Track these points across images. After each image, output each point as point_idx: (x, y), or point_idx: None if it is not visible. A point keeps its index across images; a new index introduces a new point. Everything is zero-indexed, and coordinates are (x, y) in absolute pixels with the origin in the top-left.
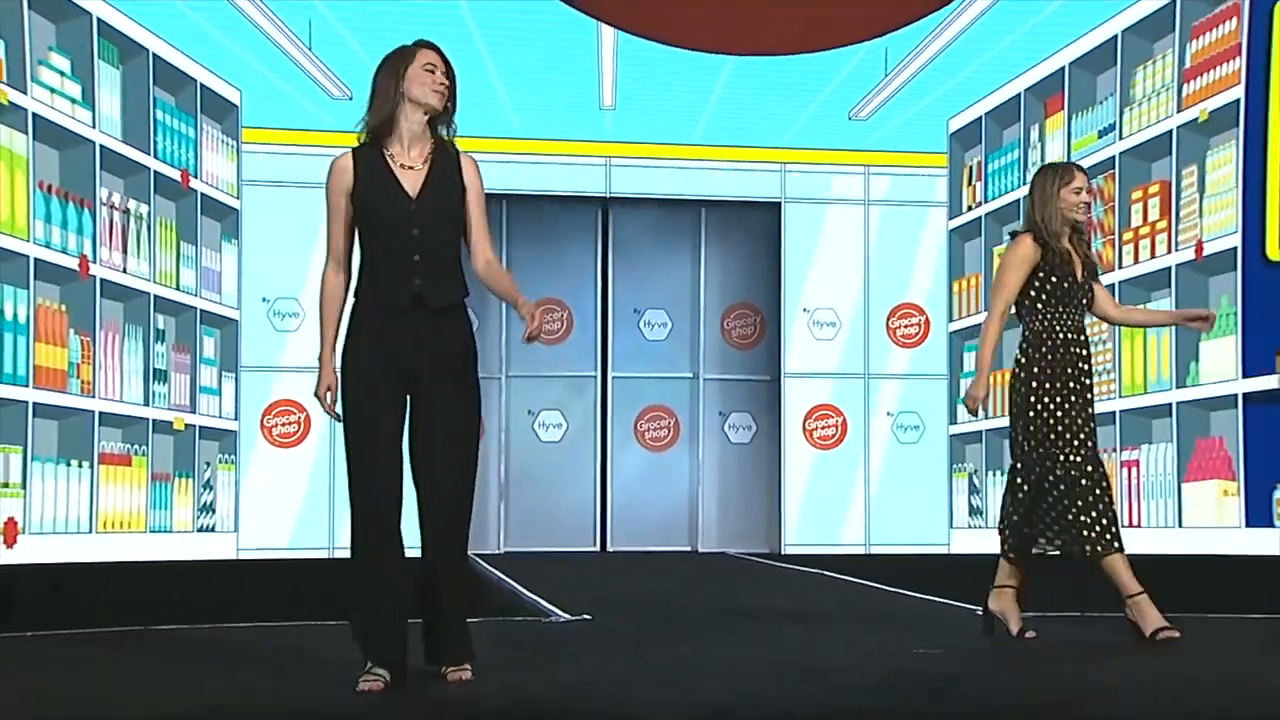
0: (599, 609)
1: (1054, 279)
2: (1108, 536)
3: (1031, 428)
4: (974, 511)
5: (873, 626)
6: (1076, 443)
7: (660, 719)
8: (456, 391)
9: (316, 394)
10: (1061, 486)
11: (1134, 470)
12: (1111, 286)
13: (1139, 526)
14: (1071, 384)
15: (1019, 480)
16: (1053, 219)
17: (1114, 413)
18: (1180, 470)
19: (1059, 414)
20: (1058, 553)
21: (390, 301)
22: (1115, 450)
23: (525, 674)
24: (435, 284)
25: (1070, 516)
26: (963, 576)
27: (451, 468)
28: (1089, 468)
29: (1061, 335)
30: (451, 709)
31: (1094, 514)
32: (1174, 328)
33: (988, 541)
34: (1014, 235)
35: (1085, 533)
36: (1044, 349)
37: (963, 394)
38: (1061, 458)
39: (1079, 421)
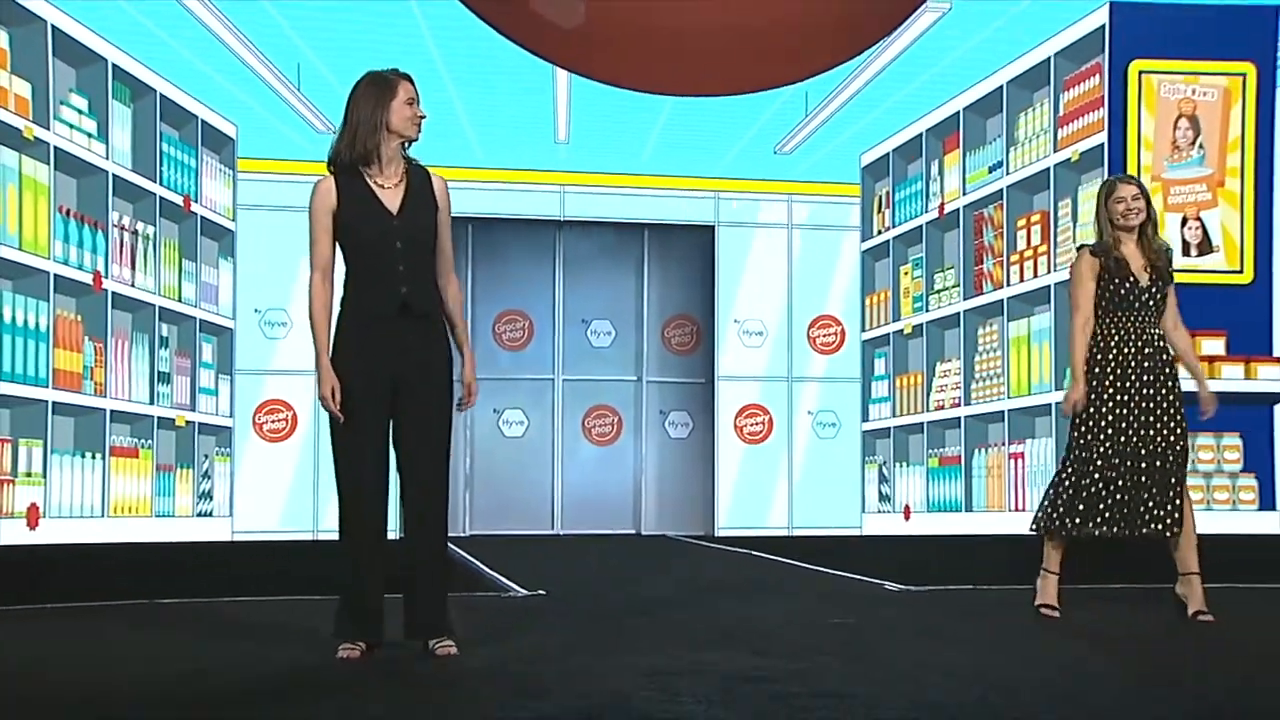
0: (553, 585)
1: (1111, 286)
2: (1040, 515)
3: (1075, 419)
4: (883, 498)
5: (795, 598)
6: (1090, 438)
7: (607, 682)
8: (437, 393)
9: (321, 394)
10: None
11: (1020, 461)
12: (1000, 302)
13: (1024, 510)
14: (1114, 388)
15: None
16: (1105, 230)
17: (1002, 412)
18: (1058, 461)
19: (1090, 409)
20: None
21: (378, 309)
22: (1004, 444)
23: (487, 644)
24: (419, 291)
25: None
26: (872, 555)
27: (433, 462)
28: (1081, 462)
29: (1121, 342)
30: (420, 674)
31: (1051, 494)
32: (1054, 338)
33: (895, 525)
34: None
35: (1056, 508)
36: (1097, 353)
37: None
38: (1071, 444)
39: (1105, 418)
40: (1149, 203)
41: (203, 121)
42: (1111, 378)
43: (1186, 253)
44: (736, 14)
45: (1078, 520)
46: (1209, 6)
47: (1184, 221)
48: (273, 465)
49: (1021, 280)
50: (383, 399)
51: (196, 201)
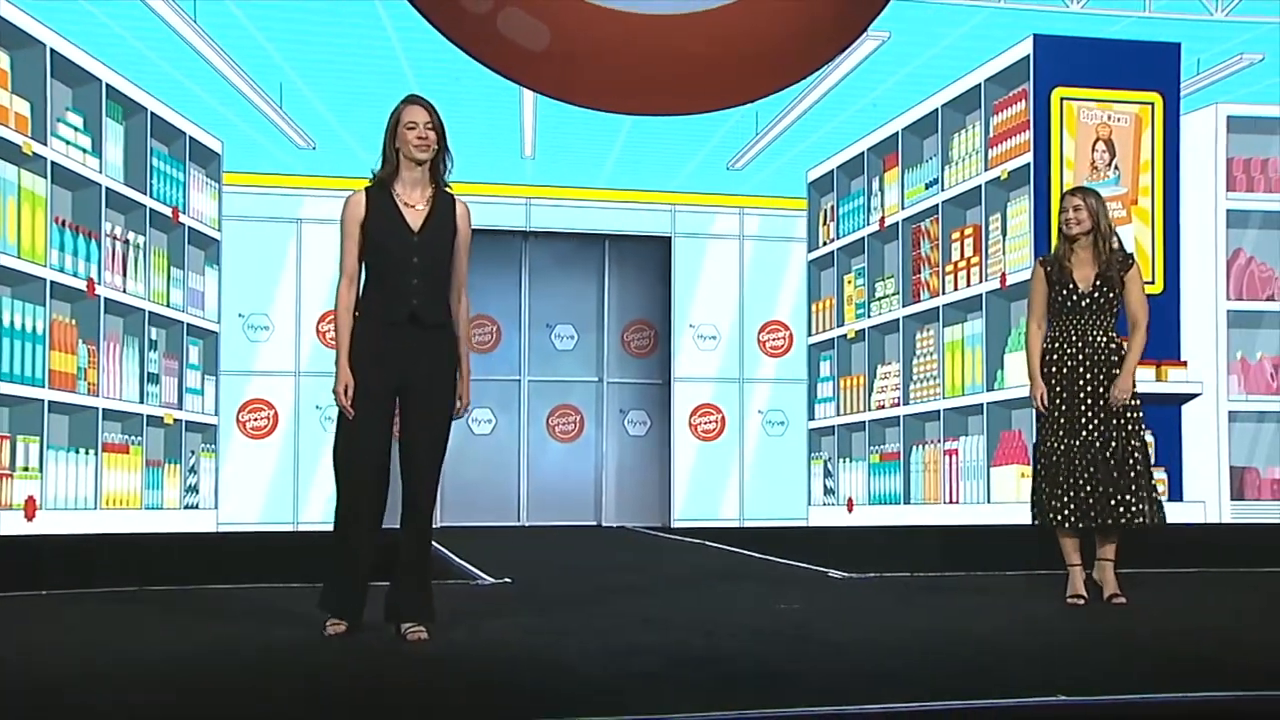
0: (518, 573)
1: (1053, 292)
2: (1040, 511)
3: (1038, 418)
4: (828, 491)
5: (745, 585)
6: (1044, 434)
7: (567, 663)
8: (439, 399)
9: (335, 390)
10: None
11: (954, 457)
12: (936, 309)
13: (958, 503)
14: (1059, 386)
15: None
16: (1057, 240)
17: (938, 410)
18: (989, 457)
19: (1048, 407)
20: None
21: (390, 316)
22: (940, 441)
23: (455, 628)
24: (429, 304)
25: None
26: (818, 544)
27: (428, 462)
28: (1050, 453)
29: (1063, 342)
30: (391, 655)
31: (1038, 492)
32: (985, 343)
33: (839, 516)
34: None
35: (1032, 504)
36: (1045, 354)
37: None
38: (1038, 442)
39: (1055, 416)
40: (1101, 214)
41: (190, 138)
42: (1055, 379)
43: None
44: (692, 40)
45: (1050, 514)
46: (1121, 41)
47: None
48: (255, 461)
49: (956, 289)
50: (388, 400)
51: (184, 213)
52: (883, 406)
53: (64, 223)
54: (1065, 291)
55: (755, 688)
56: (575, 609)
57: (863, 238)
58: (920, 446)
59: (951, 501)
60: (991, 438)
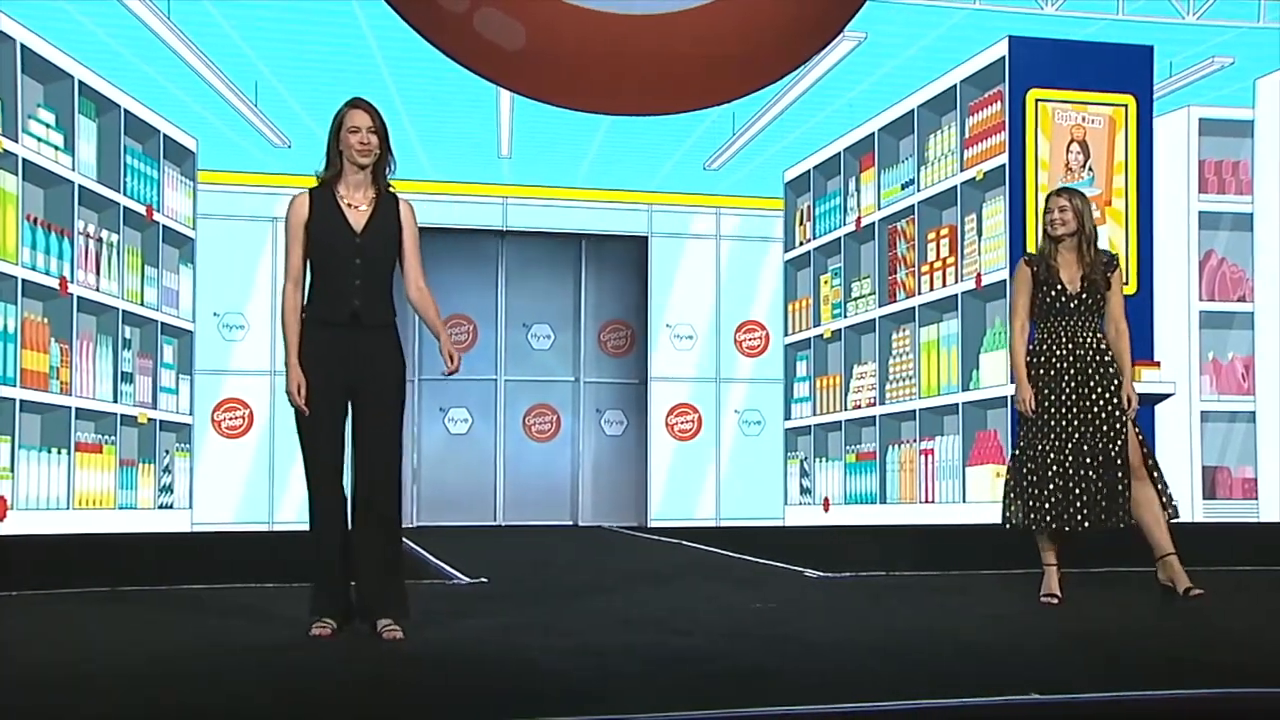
0: (494, 573)
1: (1040, 293)
2: (1022, 512)
3: (1021, 420)
4: (804, 491)
5: (721, 585)
6: (1031, 438)
7: (543, 662)
8: (389, 398)
9: (288, 389)
10: (1011, 464)
11: (930, 457)
12: (912, 310)
13: (934, 502)
14: (1046, 389)
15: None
16: (1041, 240)
17: (914, 410)
18: (965, 456)
19: (1035, 410)
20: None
21: (333, 317)
22: (915, 441)
23: (431, 628)
24: (370, 305)
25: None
26: (794, 544)
27: (384, 460)
28: (1040, 455)
29: (1052, 343)
30: (369, 655)
31: (1019, 494)
32: (961, 343)
33: (815, 516)
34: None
35: (1011, 506)
36: (1032, 357)
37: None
38: (1019, 444)
39: (1043, 418)
40: (1086, 215)
41: (165, 135)
42: (1043, 380)
43: None
44: (669, 40)
45: (1034, 516)
46: (1095, 44)
47: None
48: (230, 460)
49: (931, 289)
50: (338, 399)
51: (159, 211)
52: (859, 406)
53: (36, 220)
54: (1054, 292)
55: (730, 687)
56: (551, 608)
57: (839, 238)
58: (896, 446)
59: (927, 501)
60: (967, 438)
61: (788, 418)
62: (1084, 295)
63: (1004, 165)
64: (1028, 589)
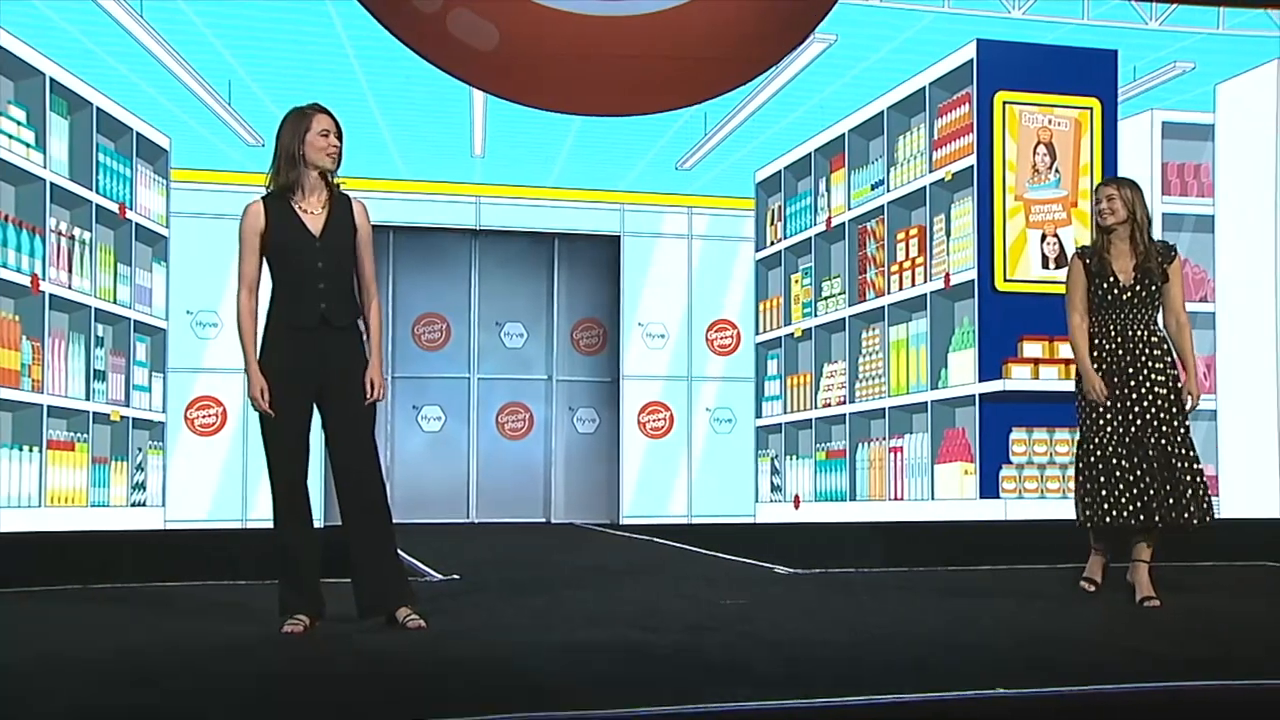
0: (467, 570)
1: (1093, 286)
2: (1093, 508)
3: (1078, 414)
4: (774, 489)
5: (691, 582)
6: (1089, 432)
7: (513, 659)
8: (357, 393)
9: (251, 394)
10: (1077, 464)
11: (899, 455)
12: (882, 309)
13: (903, 499)
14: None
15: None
16: (1093, 232)
17: (883, 409)
18: (933, 454)
19: (1089, 405)
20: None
21: (301, 321)
22: (885, 439)
23: (402, 625)
24: (337, 306)
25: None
26: (764, 541)
27: (365, 455)
28: (1099, 449)
29: (1101, 337)
30: (338, 651)
31: (1091, 491)
32: (930, 342)
33: (786, 513)
34: None
35: (1084, 503)
36: (1092, 351)
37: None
38: (1081, 439)
39: (1100, 411)
40: (1137, 203)
41: (138, 134)
42: (1105, 368)
43: (1045, 265)
44: (641, 42)
45: (1104, 510)
46: (1061, 47)
47: (1043, 238)
48: (203, 458)
49: (901, 289)
50: (306, 402)
51: (131, 209)
52: (829, 405)
53: (7, 218)
54: (1106, 285)
55: (698, 682)
56: (522, 605)
57: (810, 238)
58: (866, 444)
59: (896, 498)
60: (935, 435)
61: (759, 416)
62: (1137, 287)
63: (972, 166)
64: (996, 585)
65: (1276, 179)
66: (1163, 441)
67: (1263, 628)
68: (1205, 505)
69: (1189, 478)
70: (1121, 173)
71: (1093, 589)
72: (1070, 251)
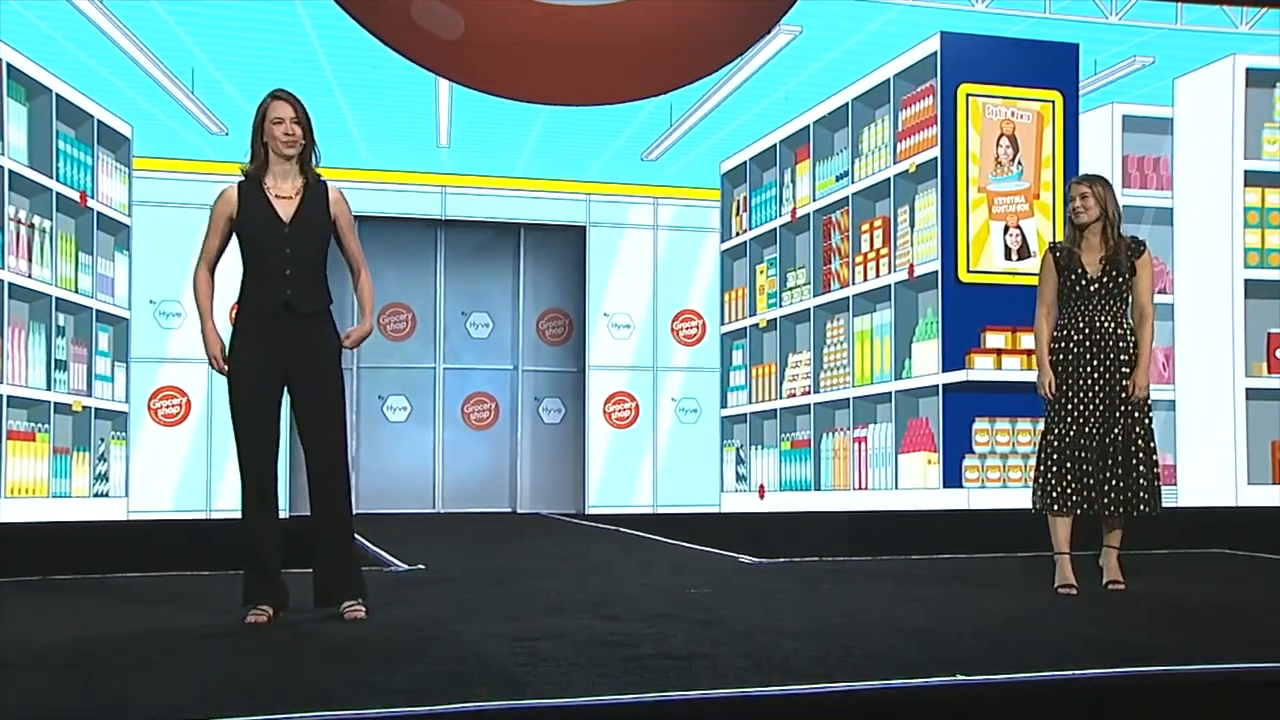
0: (432, 560)
1: (1061, 278)
2: (1041, 495)
3: (1047, 405)
4: (740, 478)
5: (656, 571)
6: (1052, 422)
7: (476, 647)
8: (326, 384)
9: (210, 355)
10: (1039, 452)
11: (863, 444)
12: (846, 300)
13: (867, 489)
14: (1065, 374)
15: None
16: (1067, 229)
17: (848, 399)
18: (898, 444)
19: (1054, 396)
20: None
21: (265, 306)
22: (849, 429)
23: (370, 614)
24: (302, 293)
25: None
26: (729, 530)
27: (331, 445)
28: (1057, 439)
29: (1070, 329)
30: (302, 640)
31: (1041, 477)
32: (894, 332)
33: (751, 503)
34: None
35: (1034, 489)
36: (1053, 343)
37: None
38: (1045, 427)
39: (1062, 402)
40: (1108, 200)
41: (99, 121)
42: (1062, 366)
43: (1008, 257)
44: (607, 31)
45: (1054, 497)
46: (1024, 40)
47: (1006, 229)
48: (167, 448)
49: (865, 280)
50: (272, 388)
51: (93, 197)
52: (794, 395)
53: None
54: (1074, 277)
55: (661, 670)
56: (486, 594)
57: (775, 228)
58: (830, 434)
59: (861, 488)
60: (899, 425)
61: (724, 406)
62: (1104, 279)
63: (936, 158)
64: (958, 574)
65: (1233, 172)
66: (1120, 434)
67: (1218, 612)
68: (1151, 497)
69: (1143, 468)
70: (1083, 165)
71: (1075, 592)
72: (1033, 243)
